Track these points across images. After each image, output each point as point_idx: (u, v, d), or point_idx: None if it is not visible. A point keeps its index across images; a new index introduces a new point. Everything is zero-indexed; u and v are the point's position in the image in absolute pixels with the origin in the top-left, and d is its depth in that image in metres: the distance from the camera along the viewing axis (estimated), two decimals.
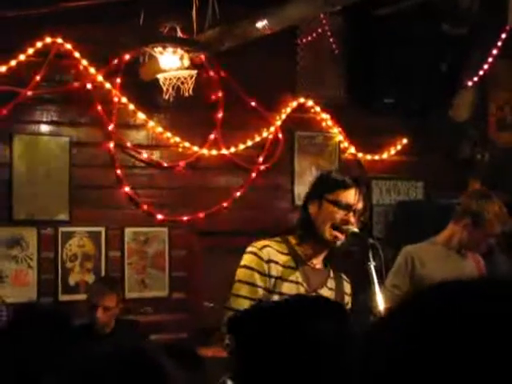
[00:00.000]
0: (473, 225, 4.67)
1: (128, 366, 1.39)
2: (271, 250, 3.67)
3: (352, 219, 3.68)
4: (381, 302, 3.63)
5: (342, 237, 3.68)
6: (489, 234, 4.67)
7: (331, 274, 3.85)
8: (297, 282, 3.69)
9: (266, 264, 3.63)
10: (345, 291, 3.88)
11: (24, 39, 6.10)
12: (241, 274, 3.67)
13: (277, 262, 3.66)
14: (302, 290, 3.70)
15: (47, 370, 1.46)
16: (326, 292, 3.78)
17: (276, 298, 3.62)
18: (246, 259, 3.69)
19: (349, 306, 3.89)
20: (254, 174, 7.03)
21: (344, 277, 3.91)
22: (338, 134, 7.40)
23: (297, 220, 3.87)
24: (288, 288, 3.65)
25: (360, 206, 3.72)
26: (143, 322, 6.26)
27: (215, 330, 5.88)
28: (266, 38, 5.76)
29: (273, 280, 3.63)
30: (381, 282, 3.73)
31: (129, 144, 6.60)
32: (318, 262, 3.79)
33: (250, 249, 3.71)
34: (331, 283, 3.83)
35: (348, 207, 3.67)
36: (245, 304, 3.54)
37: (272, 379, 1.87)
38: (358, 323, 4.05)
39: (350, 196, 3.68)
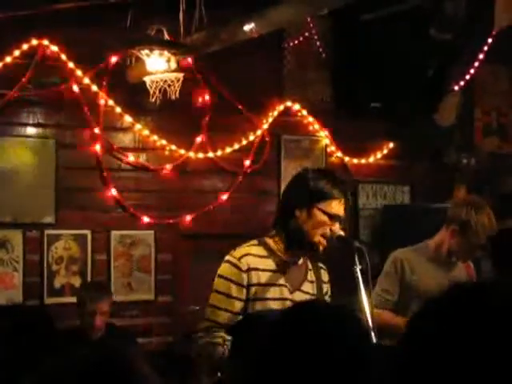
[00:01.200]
0: (459, 232, 4.67)
1: (97, 369, 1.38)
2: (251, 258, 3.65)
3: (337, 228, 3.69)
4: (367, 306, 3.63)
5: (327, 241, 3.69)
6: (474, 243, 4.67)
7: (309, 266, 3.85)
8: (280, 285, 3.69)
9: (245, 274, 3.61)
10: (323, 280, 3.89)
11: (10, 41, 6.07)
12: (217, 284, 3.67)
13: (258, 269, 3.64)
14: (285, 291, 3.69)
15: (27, 372, 1.44)
16: (307, 286, 3.80)
17: (258, 304, 3.62)
18: (223, 269, 3.67)
19: (328, 294, 3.90)
20: (240, 178, 7.02)
21: (321, 265, 3.92)
22: (324, 138, 7.40)
23: (277, 222, 3.83)
24: (271, 292, 3.65)
25: (344, 214, 3.74)
26: (129, 325, 6.25)
27: None
28: (252, 42, 5.75)
29: (254, 288, 3.62)
30: (367, 286, 3.72)
31: (115, 147, 6.57)
32: (298, 259, 3.79)
33: (227, 258, 3.69)
34: (311, 275, 3.84)
35: (337, 217, 3.67)
36: (220, 315, 3.56)
37: None
38: None
39: (340, 206, 3.69)
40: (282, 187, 7.14)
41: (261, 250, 3.71)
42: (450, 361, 1.00)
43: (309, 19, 6.96)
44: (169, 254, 6.76)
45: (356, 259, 3.65)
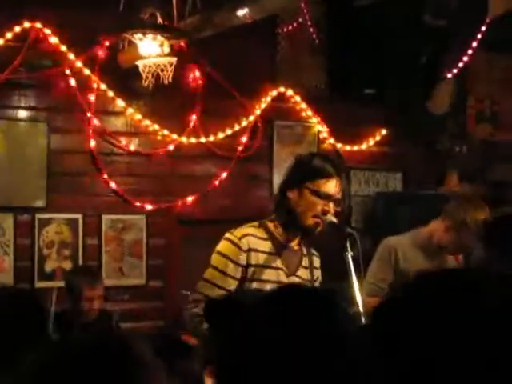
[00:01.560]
0: (454, 230, 4.68)
1: (96, 352, 1.37)
2: (252, 238, 3.67)
3: (331, 209, 3.68)
4: (357, 292, 3.63)
5: (321, 223, 3.68)
6: (466, 242, 4.68)
7: (304, 252, 3.86)
8: (277, 268, 3.70)
9: (244, 253, 3.62)
10: (315, 266, 3.92)
11: (2, 23, 6.03)
12: (215, 259, 3.68)
13: (257, 250, 3.66)
14: (281, 274, 3.71)
15: (18, 355, 1.44)
16: (302, 272, 3.83)
17: (255, 285, 3.63)
18: (223, 246, 3.68)
19: (319, 279, 3.92)
20: (232, 163, 7.01)
21: (313, 251, 3.94)
22: (317, 124, 7.40)
23: (275, 205, 3.86)
24: (268, 274, 3.66)
25: (339, 195, 3.72)
26: (121, 310, 6.24)
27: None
28: (246, 27, 5.73)
29: (252, 268, 3.63)
30: (358, 272, 3.72)
31: (107, 131, 6.55)
32: (295, 244, 3.81)
33: (228, 236, 3.70)
34: (305, 261, 3.87)
35: (328, 197, 3.66)
36: (212, 291, 3.56)
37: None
38: None
39: (331, 186, 3.67)
40: (275, 173, 7.18)
41: (261, 232, 3.72)
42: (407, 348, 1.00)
43: (302, 5, 6.94)
44: (160, 239, 6.76)
45: (347, 245, 3.65)
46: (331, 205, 3.68)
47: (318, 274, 3.93)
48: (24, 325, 2.20)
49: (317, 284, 3.90)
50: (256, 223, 3.80)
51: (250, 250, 3.64)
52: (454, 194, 5.03)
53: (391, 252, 4.72)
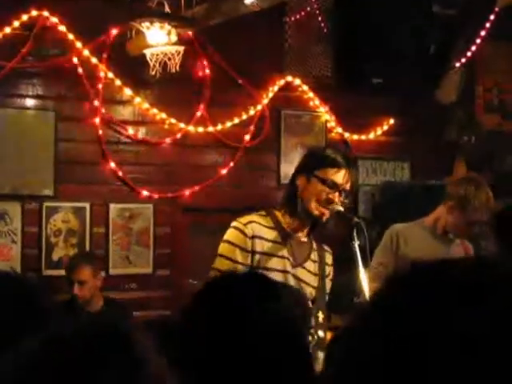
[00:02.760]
0: (457, 209, 4.66)
1: (94, 338, 1.37)
2: (256, 226, 3.66)
3: (337, 199, 3.67)
4: (365, 282, 3.63)
5: (327, 213, 3.68)
6: (472, 220, 4.66)
7: (314, 246, 3.85)
8: (283, 257, 3.69)
9: (249, 240, 3.62)
10: (326, 262, 3.89)
11: (9, 12, 6.03)
12: (223, 248, 3.67)
13: (262, 238, 3.65)
14: (287, 264, 3.70)
15: (9, 344, 1.42)
16: (310, 265, 3.80)
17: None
18: (229, 234, 3.68)
19: (330, 276, 3.92)
20: (240, 152, 7.01)
21: (326, 247, 3.93)
22: (324, 114, 7.38)
23: (284, 193, 3.87)
24: (274, 263, 3.65)
25: (347, 186, 3.71)
26: (127, 298, 6.26)
27: None
28: (254, 15, 5.72)
29: (257, 255, 3.63)
30: (365, 262, 3.72)
31: (115, 120, 6.55)
32: (302, 235, 3.80)
33: (234, 224, 3.70)
34: (314, 255, 3.84)
35: (335, 186, 3.66)
36: None
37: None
38: (339, 304, 4.08)
39: (339, 176, 3.67)
40: (282, 162, 7.18)
41: (267, 221, 3.72)
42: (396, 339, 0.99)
43: None
44: (167, 228, 6.76)
45: (354, 235, 3.65)
46: (337, 194, 3.67)
47: (329, 270, 3.90)
48: (19, 312, 2.19)
49: (328, 281, 3.90)
50: (263, 212, 3.80)
51: (254, 236, 3.63)
52: (451, 178, 5.02)
53: (393, 237, 4.72)
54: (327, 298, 3.88)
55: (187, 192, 6.78)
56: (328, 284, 3.89)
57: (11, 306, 2.20)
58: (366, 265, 3.73)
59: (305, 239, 3.82)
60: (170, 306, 6.56)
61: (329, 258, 3.91)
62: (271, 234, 3.69)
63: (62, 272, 5.98)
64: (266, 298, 1.94)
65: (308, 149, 3.94)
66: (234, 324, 1.86)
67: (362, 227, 3.66)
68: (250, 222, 3.67)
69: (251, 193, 6.99)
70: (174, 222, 6.80)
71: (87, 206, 6.43)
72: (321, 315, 3.74)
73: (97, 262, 5.93)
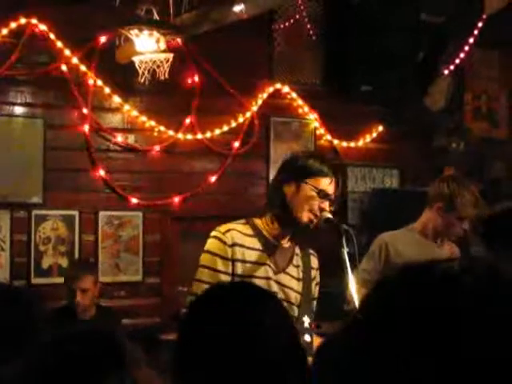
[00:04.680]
0: (445, 208, 4.66)
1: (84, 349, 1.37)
2: (235, 233, 3.64)
3: (327, 207, 3.68)
4: (354, 289, 3.63)
5: (315, 220, 3.68)
6: (461, 216, 4.66)
7: (296, 251, 3.84)
8: (264, 264, 3.68)
9: (229, 248, 3.60)
10: (311, 266, 3.86)
11: None
12: (203, 259, 3.65)
13: (242, 245, 3.63)
14: (269, 271, 3.68)
15: (13, 351, 1.43)
16: (292, 270, 3.77)
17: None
18: (209, 244, 3.66)
19: (316, 279, 3.89)
20: (229, 160, 7.01)
21: (311, 251, 3.90)
22: (313, 121, 7.39)
23: (268, 199, 3.85)
24: (256, 270, 3.64)
25: (334, 195, 3.72)
26: (117, 306, 6.24)
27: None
28: (243, 23, 5.72)
29: (239, 263, 3.61)
30: (354, 269, 3.72)
31: (104, 127, 6.55)
32: (284, 241, 3.78)
33: (213, 233, 3.68)
34: (297, 260, 3.82)
35: (326, 196, 3.66)
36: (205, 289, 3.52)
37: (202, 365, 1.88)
38: (329, 312, 4.07)
39: (329, 185, 3.67)
40: (271, 169, 7.17)
41: (247, 229, 3.70)
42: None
43: (299, 1, 6.93)
44: (157, 236, 6.76)
45: (343, 242, 3.65)
46: (327, 203, 3.67)
47: (315, 273, 3.89)
48: (15, 322, 2.19)
49: (314, 285, 3.89)
50: (243, 220, 3.77)
51: (234, 244, 3.61)
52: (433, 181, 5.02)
53: (382, 247, 4.70)
54: (315, 302, 3.87)
55: (176, 199, 6.77)
56: (314, 288, 3.88)
57: (7, 316, 2.20)
58: (354, 272, 3.73)
59: (286, 245, 3.80)
60: (160, 314, 6.55)
61: (314, 262, 3.88)
62: (251, 242, 3.67)
63: (52, 280, 5.97)
64: (255, 308, 1.95)
65: (292, 155, 3.89)
66: (230, 337, 1.87)
67: (351, 234, 3.66)
68: (229, 230, 3.64)
69: (241, 200, 6.99)
70: (164, 229, 6.79)
71: (76, 213, 6.42)
72: (306, 319, 3.73)
73: (97, 270, 5.96)
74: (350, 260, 3.67)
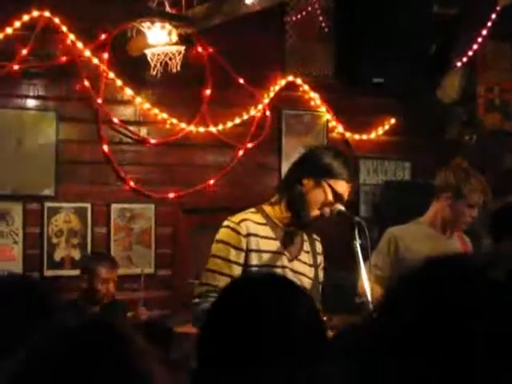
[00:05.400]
0: (454, 197, 4.65)
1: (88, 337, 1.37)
2: (250, 223, 3.65)
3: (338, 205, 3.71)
4: (366, 281, 3.64)
5: (325, 215, 3.70)
6: (470, 204, 4.65)
7: (305, 237, 3.86)
8: (279, 252, 3.69)
9: (244, 238, 3.60)
10: (317, 251, 3.90)
11: (11, 12, 6.04)
12: (216, 248, 3.65)
13: (256, 235, 3.64)
14: (284, 259, 3.70)
15: (17, 344, 1.43)
16: (304, 256, 3.81)
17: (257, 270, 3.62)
18: (222, 234, 3.66)
19: (322, 265, 3.91)
20: (241, 152, 7.01)
21: (315, 236, 3.92)
22: (325, 113, 7.39)
23: (283, 187, 3.84)
24: (272, 259, 3.65)
25: (348, 198, 3.76)
26: (128, 298, 6.26)
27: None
28: (255, 15, 5.72)
29: (253, 253, 3.62)
30: (366, 261, 3.72)
31: (116, 120, 6.56)
32: (293, 228, 3.79)
33: (226, 223, 3.68)
34: (306, 246, 3.85)
35: (341, 198, 3.68)
36: (218, 279, 3.53)
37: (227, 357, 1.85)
38: (340, 304, 4.08)
39: (347, 189, 3.70)
40: (283, 162, 7.17)
41: (259, 217, 3.71)
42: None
43: None
44: (169, 228, 6.77)
45: (356, 234, 3.66)
46: (339, 203, 3.71)
47: (320, 259, 3.91)
48: (30, 312, 2.20)
49: (320, 270, 3.90)
50: (253, 209, 3.78)
51: (249, 234, 3.62)
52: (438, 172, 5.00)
53: (391, 241, 4.68)
54: (320, 288, 3.88)
55: (189, 192, 6.78)
56: (320, 273, 3.90)
57: (24, 306, 2.22)
58: (367, 264, 3.74)
59: (296, 231, 3.82)
60: (171, 306, 6.56)
61: (319, 247, 3.91)
62: (264, 231, 3.68)
63: (64, 272, 6.01)
64: (287, 301, 1.93)
65: (317, 150, 3.87)
66: (252, 330, 1.86)
67: (363, 227, 3.66)
68: (243, 220, 3.65)
69: (252, 192, 6.97)
70: (176, 222, 6.80)
71: (88, 206, 6.44)
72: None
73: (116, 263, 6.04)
74: (362, 252, 3.68)
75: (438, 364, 0.96)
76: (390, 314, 1.04)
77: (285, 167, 7.13)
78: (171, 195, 6.72)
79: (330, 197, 3.66)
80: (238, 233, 3.61)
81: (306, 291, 2.13)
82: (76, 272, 5.99)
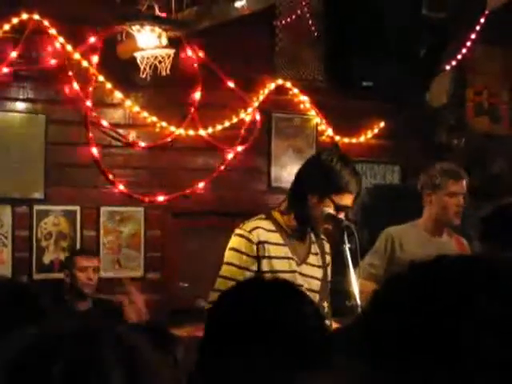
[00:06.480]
0: (433, 193, 4.73)
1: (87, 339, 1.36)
2: (261, 231, 3.73)
3: (341, 216, 3.76)
4: (355, 284, 3.66)
5: (330, 228, 3.80)
6: (450, 192, 4.70)
7: (313, 239, 3.92)
8: (288, 258, 3.77)
9: (255, 246, 3.69)
10: (326, 251, 3.98)
11: (0, 15, 6.02)
12: (230, 256, 3.73)
13: (267, 242, 3.73)
14: (293, 264, 3.79)
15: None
16: (313, 259, 3.89)
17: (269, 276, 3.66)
18: (235, 242, 3.74)
19: (329, 264, 3.99)
20: (230, 156, 7.02)
21: (322, 237, 3.99)
22: (315, 117, 7.40)
23: (292, 201, 3.85)
24: (282, 265, 3.73)
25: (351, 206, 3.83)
26: (118, 302, 6.25)
27: (188, 311, 5.90)
28: (244, 18, 5.74)
29: (265, 260, 3.69)
30: (355, 265, 3.75)
31: (105, 123, 6.55)
32: (301, 232, 3.86)
33: (238, 231, 3.76)
34: (314, 248, 3.93)
35: (344, 209, 3.74)
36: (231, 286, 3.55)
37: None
38: (335, 305, 4.10)
39: (351, 199, 3.75)
40: (272, 165, 7.19)
41: (269, 224, 3.79)
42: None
43: None
44: (158, 231, 6.77)
45: (345, 238, 3.69)
46: (342, 214, 3.76)
47: (329, 258, 4.00)
48: (10, 314, 2.21)
49: (328, 269, 3.98)
50: (263, 215, 3.86)
51: (260, 242, 3.71)
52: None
53: (388, 240, 4.75)
54: (329, 285, 3.96)
55: (178, 195, 6.79)
56: (329, 272, 3.99)
57: (14, 310, 2.22)
58: (356, 268, 3.76)
59: (303, 235, 3.89)
60: (160, 309, 6.56)
61: (327, 247, 3.99)
62: (275, 237, 3.77)
63: (53, 275, 6.00)
64: (288, 305, 1.96)
65: (323, 161, 3.85)
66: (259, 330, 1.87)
67: (352, 230, 3.70)
68: (255, 228, 3.73)
69: (242, 196, 7.00)
70: (165, 225, 6.80)
71: (78, 209, 6.44)
72: (325, 305, 3.81)
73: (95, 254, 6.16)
74: (351, 256, 3.70)
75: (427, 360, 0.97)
76: (380, 311, 1.06)
77: (274, 170, 7.16)
78: (160, 198, 6.72)
79: (332, 210, 3.71)
80: (250, 241, 3.69)
81: (307, 296, 2.15)
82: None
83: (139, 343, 1.37)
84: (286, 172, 7.19)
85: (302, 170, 3.93)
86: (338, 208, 3.72)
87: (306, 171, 3.91)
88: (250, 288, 2.07)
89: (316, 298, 3.74)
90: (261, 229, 3.73)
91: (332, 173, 3.73)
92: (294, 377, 1.81)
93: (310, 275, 3.83)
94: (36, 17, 6.14)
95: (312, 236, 3.94)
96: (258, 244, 3.69)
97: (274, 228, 3.78)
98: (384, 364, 1.00)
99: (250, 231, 3.71)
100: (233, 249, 3.73)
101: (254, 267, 3.68)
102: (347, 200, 3.74)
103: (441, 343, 0.97)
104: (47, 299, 2.52)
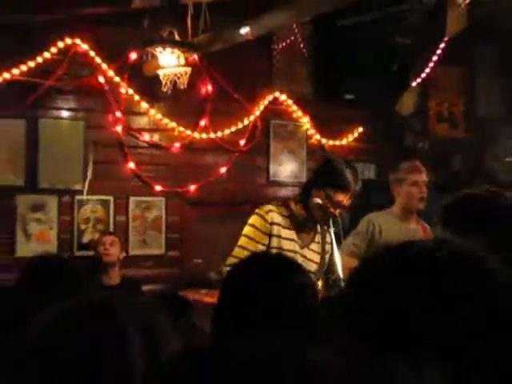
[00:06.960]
0: (398, 185, 4.69)
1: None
2: (275, 214, 3.75)
3: (337, 213, 3.77)
4: (339, 263, 3.70)
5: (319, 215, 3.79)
6: (413, 181, 4.67)
7: (318, 229, 3.93)
8: (293, 240, 3.79)
9: (269, 225, 3.72)
10: (326, 241, 3.95)
11: (48, 40, 6.06)
12: (247, 230, 3.76)
13: (278, 224, 3.75)
14: (296, 246, 3.81)
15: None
16: (314, 246, 3.90)
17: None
18: (254, 220, 3.77)
19: (329, 252, 3.95)
20: (236, 155, 7.04)
21: (326, 228, 3.95)
22: (306, 123, 7.42)
23: (302, 194, 3.88)
24: (287, 245, 3.75)
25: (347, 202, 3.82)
26: (143, 275, 6.30)
27: (202, 281, 5.94)
28: (248, 43, 5.76)
29: (275, 238, 3.72)
30: (338, 245, 3.78)
31: (133, 128, 6.58)
32: (309, 222, 3.88)
33: (258, 211, 3.80)
34: (318, 237, 3.94)
35: (340, 206, 3.76)
36: (245, 254, 3.59)
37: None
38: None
39: (346, 198, 3.75)
40: (271, 163, 7.21)
41: (283, 210, 3.81)
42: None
43: (295, 25, 6.96)
44: (177, 217, 6.79)
45: (331, 223, 3.73)
46: (338, 210, 3.77)
47: (328, 247, 3.95)
48: (58, 284, 2.23)
49: (327, 256, 3.95)
50: (280, 202, 3.90)
51: (272, 223, 3.73)
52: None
53: (369, 226, 4.67)
54: (325, 267, 3.95)
55: (192, 187, 6.81)
56: (326, 258, 3.96)
57: (60, 279, 2.26)
58: (339, 247, 3.80)
59: (312, 225, 3.90)
60: (179, 282, 6.60)
61: (329, 237, 3.94)
62: (285, 222, 3.79)
63: (91, 253, 6.03)
64: (281, 275, 1.92)
65: (330, 163, 3.85)
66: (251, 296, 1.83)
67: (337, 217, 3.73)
68: (270, 210, 3.76)
69: (245, 188, 7.03)
70: (182, 212, 6.82)
71: (111, 198, 6.47)
72: (320, 283, 3.84)
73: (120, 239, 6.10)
74: (335, 238, 3.74)
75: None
76: (361, 286, 1.04)
77: (272, 167, 7.20)
78: (179, 190, 6.75)
79: (320, 200, 3.73)
80: (266, 220, 3.72)
81: (305, 269, 2.14)
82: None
83: (156, 313, 1.34)
84: (282, 168, 7.24)
85: (315, 170, 3.98)
86: (334, 203, 3.72)
87: (318, 168, 3.95)
88: (260, 262, 2.03)
89: (312, 278, 3.77)
90: (275, 213, 3.75)
91: (337, 171, 3.76)
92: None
93: (309, 258, 3.84)
94: (78, 41, 6.18)
95: (318, 227, 3.95)
96: (272, 224, 3.72)
97: (286, 214, 3.79)
98: (360, 341, 0.98)
99: (266, 212, 3.74)
100: (251, 225, 3.75)
101: (266, 242, 3.71)
102: (342, 197, 3.74)
103: (410, 320, 0.94)
104: (85, 273, 2.55)
